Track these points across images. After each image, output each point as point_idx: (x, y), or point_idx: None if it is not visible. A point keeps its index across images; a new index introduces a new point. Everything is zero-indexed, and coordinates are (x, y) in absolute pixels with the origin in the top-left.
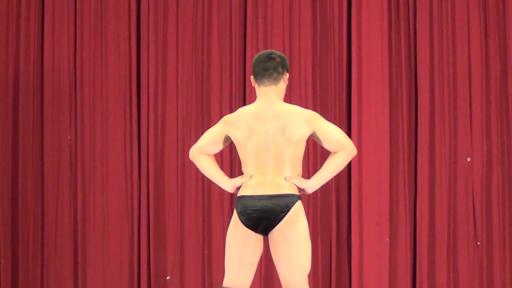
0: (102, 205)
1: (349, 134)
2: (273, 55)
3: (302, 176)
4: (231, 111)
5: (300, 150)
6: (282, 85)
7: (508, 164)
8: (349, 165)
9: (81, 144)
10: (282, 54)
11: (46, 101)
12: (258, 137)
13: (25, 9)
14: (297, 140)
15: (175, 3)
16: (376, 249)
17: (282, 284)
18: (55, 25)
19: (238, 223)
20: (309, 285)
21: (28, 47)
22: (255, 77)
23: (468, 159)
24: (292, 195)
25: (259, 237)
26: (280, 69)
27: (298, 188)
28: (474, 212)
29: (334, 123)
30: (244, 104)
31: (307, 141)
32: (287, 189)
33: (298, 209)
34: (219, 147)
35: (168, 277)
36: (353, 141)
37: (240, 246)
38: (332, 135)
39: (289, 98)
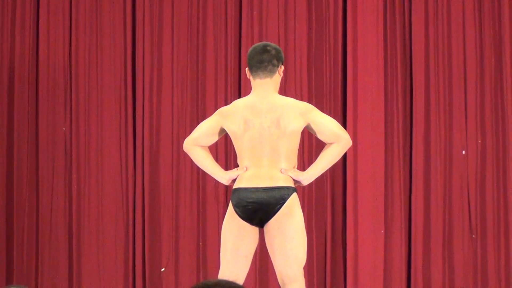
0: (97, 197)
1: (344, 126)
2: (268, 48)
3: (297, 168)
4: (226, 103)
5: (295, 142)
6: (277, 77)
7: (502, 157)
8: (344, 158)
9: (76, 136)
10: (277, 46)
11: (41, 94)
12: (253, 129)
13: (20, 2)
14: (291, 132)
15: None
16: (371, 241)
17: (278, 276)
18: (50, 17)
19: (233, 215)
20: (304, 277)
21: (24, 39)
22: (250, 70)
23: (463, 152)
24: (288, 188)
25: (255, 229)
26: (275, 61)
27: (294, 180)
28: (469, 204)
29: (329, 115)
30: (239, 96)
31: (303, 133)
32: (283, 181)
33: (293, 201)
34: (213, 139)
35: (163, 269)
36: (348, 134)
37: (236, 238)
38: (327, 126)
39: (284, 90)
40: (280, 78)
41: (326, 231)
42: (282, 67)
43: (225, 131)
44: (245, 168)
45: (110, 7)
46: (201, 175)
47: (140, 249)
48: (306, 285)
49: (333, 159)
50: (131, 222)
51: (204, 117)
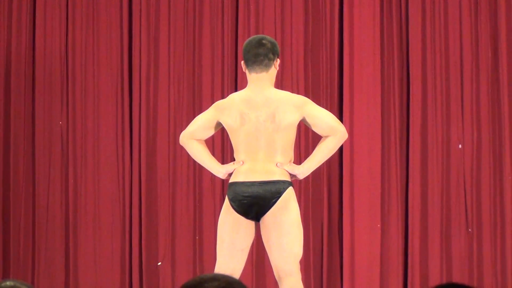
0: (94, 191)
1: (340, 120)
2: (263, 41)
3: (294, 162)
4: (222, 97)
5: (291, 136)
6: (273, 71)
7: (498, 151)
8: (340, 151)
9: (73, 130)
10: (273, 40)
11: (38, 87)
12: (249, 123)
13: None
14: (287, 126)
15: None
16: (367, 235)
17: (274, 270)
18: (46, 10)
19: (229, 209)
20: (301, 271)
21: (20, 32)
22: (246, 63)
23: (460, 146)
24: (284, 181)
25: (251, 223)
26: (271, 55)
27: (290, 174)
28: (465, 198)
29: (326, 109)
30: (236, 90)
31: (299, 126)
32: (279, 175)
33: (289, 195)
34: (210, 132)
35: (159, 263)
36: (344, 127)
37: (232, 232)
38: (323, 119)
39: (280, 84)
40: (276, 71)
41: (322, 225)
42: (278, 60)
43: (221, 124)
44: (241, 162)
45: (107, 2)
46: (198, 169)
47: (137, 243)
48: (302, 279)
49: (329, 152)
50: (127, 216)
51: (200, 111)
